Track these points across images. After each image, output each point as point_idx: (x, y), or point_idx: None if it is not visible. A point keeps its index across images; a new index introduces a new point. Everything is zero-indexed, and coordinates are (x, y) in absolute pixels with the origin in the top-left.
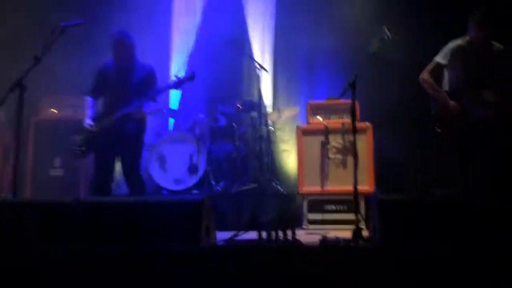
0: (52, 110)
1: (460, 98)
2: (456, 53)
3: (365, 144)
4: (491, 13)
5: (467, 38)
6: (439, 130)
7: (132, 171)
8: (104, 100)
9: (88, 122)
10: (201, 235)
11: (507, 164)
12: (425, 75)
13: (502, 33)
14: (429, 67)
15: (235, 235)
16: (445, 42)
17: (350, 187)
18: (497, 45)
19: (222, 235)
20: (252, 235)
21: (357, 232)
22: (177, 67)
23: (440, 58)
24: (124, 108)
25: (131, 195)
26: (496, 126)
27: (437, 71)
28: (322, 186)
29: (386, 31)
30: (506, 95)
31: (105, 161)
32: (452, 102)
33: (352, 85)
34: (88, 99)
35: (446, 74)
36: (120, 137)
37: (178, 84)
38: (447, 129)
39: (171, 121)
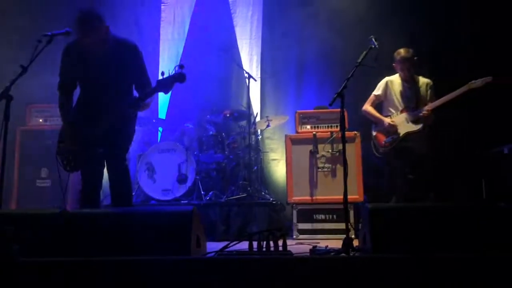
0: (39, 119)
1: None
2: (387, 86)
3: (353, 153)
4: (406, 57)
5: (397, 74)
6: (378, 155)
7: (117, 160)
8: (83, 92)
9: (70, 132)
10: (191, 246)
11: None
12: (366, 106)
13: None
14: (369, 100)
15: (226, 247)
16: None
17: (339, 196)
18: (423, 79)
19: (211, 245)
20: (242, 245)
21: (347, 242)
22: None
23: (376, 91)
24: (119, 110)
25: (115, 192)
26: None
27: (376, 102)
28: (312, 195)
29: (374, 40)
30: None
31: (94, 172)
32: (386, 120)
33: (341, 94)
34: (61, 97)
35: (383, 104)
36: (109, 137)
37: (163, 85)
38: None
39: (160, 130)
